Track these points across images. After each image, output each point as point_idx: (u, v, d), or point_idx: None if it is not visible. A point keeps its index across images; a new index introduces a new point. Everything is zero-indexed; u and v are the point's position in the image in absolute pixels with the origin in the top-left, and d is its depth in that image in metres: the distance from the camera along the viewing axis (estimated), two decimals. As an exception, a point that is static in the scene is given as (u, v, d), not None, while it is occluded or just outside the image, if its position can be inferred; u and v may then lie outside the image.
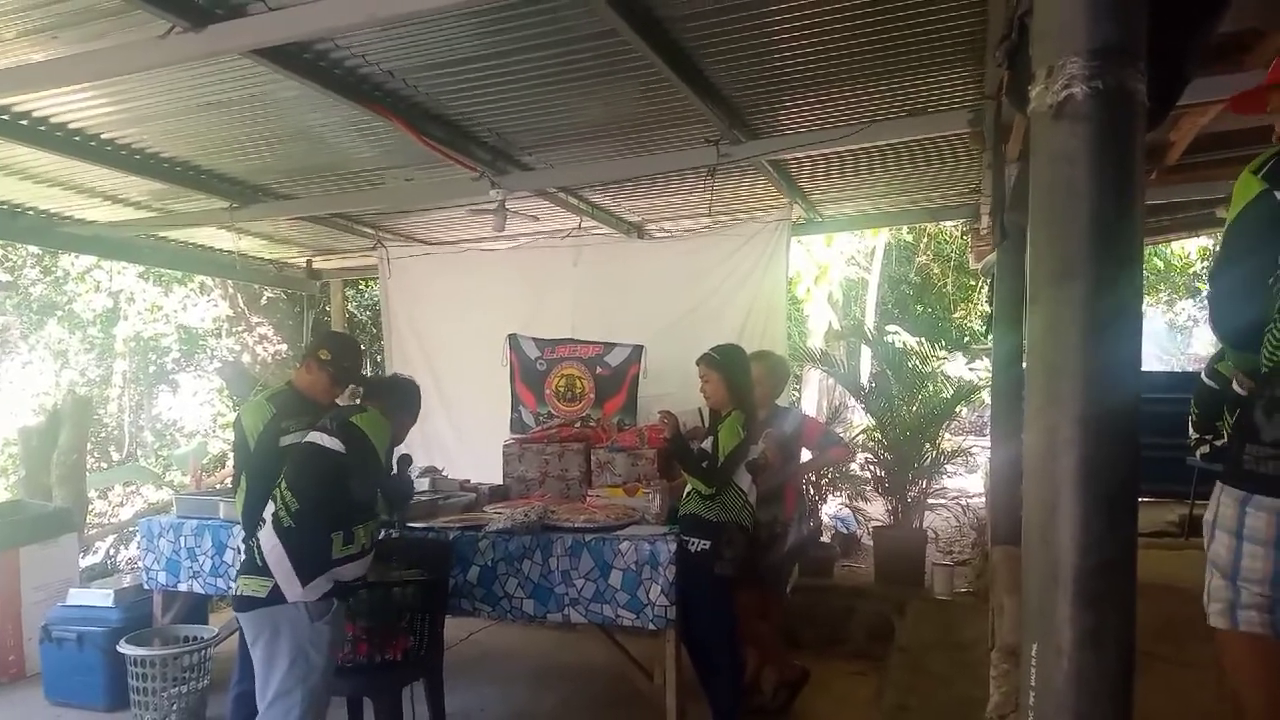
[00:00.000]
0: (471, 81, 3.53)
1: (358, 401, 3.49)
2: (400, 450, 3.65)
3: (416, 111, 3.84)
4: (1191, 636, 3.30)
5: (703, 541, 3.77)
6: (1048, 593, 1.14)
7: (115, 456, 10.66)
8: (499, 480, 5.09)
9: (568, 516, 4.14)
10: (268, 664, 2.94)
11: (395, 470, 3.54)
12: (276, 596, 2.91)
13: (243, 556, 3.24)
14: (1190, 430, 5.00)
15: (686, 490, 3.96)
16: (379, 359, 7.84)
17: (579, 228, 6.08)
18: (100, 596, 4.80)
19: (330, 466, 3.03)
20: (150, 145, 4.31)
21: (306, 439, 3.14)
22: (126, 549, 7.47)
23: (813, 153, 4.42)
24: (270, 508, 3.05)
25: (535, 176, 4.77)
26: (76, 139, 4.11)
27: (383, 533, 4.15)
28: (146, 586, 4.76)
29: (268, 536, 2.98)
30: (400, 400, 3.47)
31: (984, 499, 7.35)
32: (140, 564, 4.87)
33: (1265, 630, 1.78)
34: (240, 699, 3.59)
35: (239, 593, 3.01)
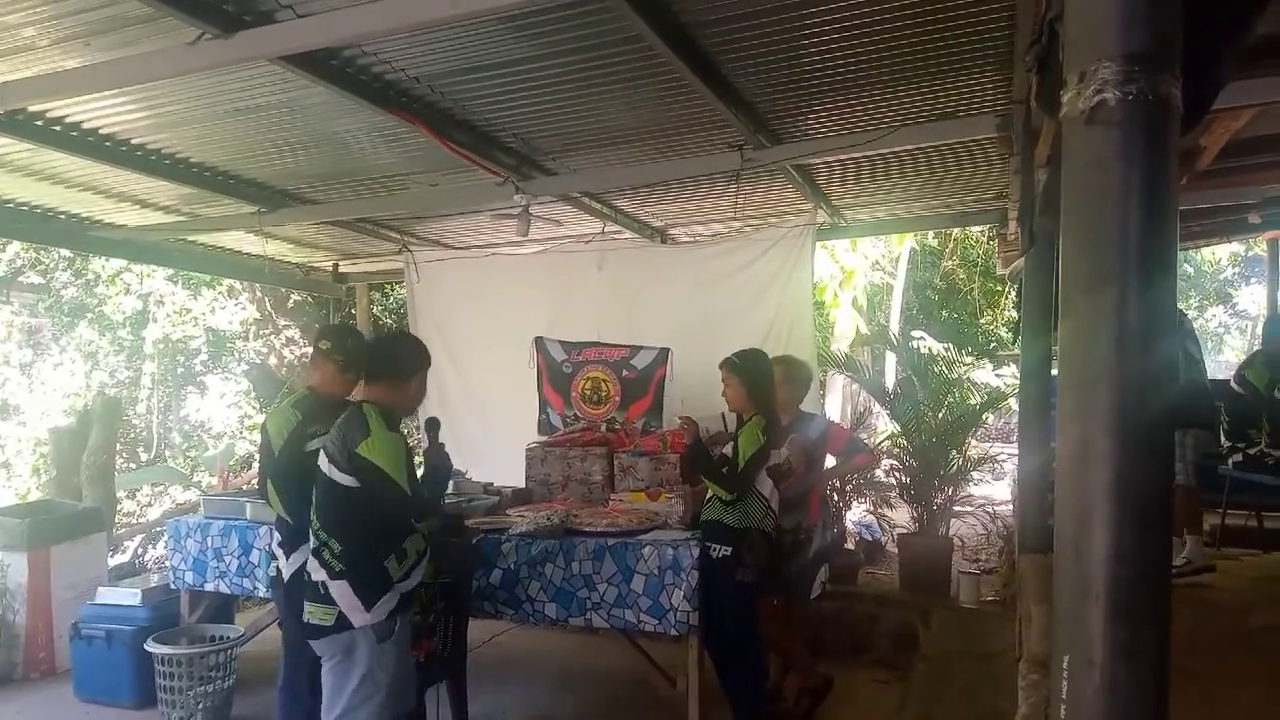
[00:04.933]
0: (496, 87, 3.55)
1: (358, 394, 3.21)
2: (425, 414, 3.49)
3: (442, 117, 3.86)
4: (1225, 649, 3.24)
5: (724, 548, 3.75)
6: (1080, 604, 1.12)
7: (144, 457, 10.77)
8: (522, 483, 5.10)
9: (590, 520, 4.14)
10: (337, 684, 2.98)
11: (426, 442, 3.32)
12: (344, 623, 2.92)
13: (270, 570, 3.27)
14: (1221, 439, 4.93)
15: (708, 496, 3.95)
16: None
17: (603, 232, 6.08)
18: (128, 595, 4.86)
19: (353, 504, 2.94)
20: (180, 150, 4.36)
21: (321, 464, 3.02)
22: (154, 549, 7.54)
23: (837, 158, 4.40)
24: (313, 543, 3.02)
25: (559, 181, 4.78)
26: (107, 144, 4.17)
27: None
28: (173, 586, 4.81)
29: (322, 576, 2.95)
30: (401, 365, 3.16)
31: (1011, 507, 7.28)
32: (167, 564, 4.92)
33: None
34: (285, 690, 3.66)
35: (307, 620, 3.00)
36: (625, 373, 5.92)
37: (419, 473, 3.11)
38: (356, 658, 2.94)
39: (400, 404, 3.11)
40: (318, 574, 2.97)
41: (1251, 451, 4.82)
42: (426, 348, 3.32)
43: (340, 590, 2.92)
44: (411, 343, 3.37)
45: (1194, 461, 4.54)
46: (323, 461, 3.01)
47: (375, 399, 3.06)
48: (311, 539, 3.04)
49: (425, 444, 3.34)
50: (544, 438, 5.60)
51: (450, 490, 4.84)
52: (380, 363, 3.19)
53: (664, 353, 5.83)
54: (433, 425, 3.36)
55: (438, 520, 3.94)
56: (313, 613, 2.98)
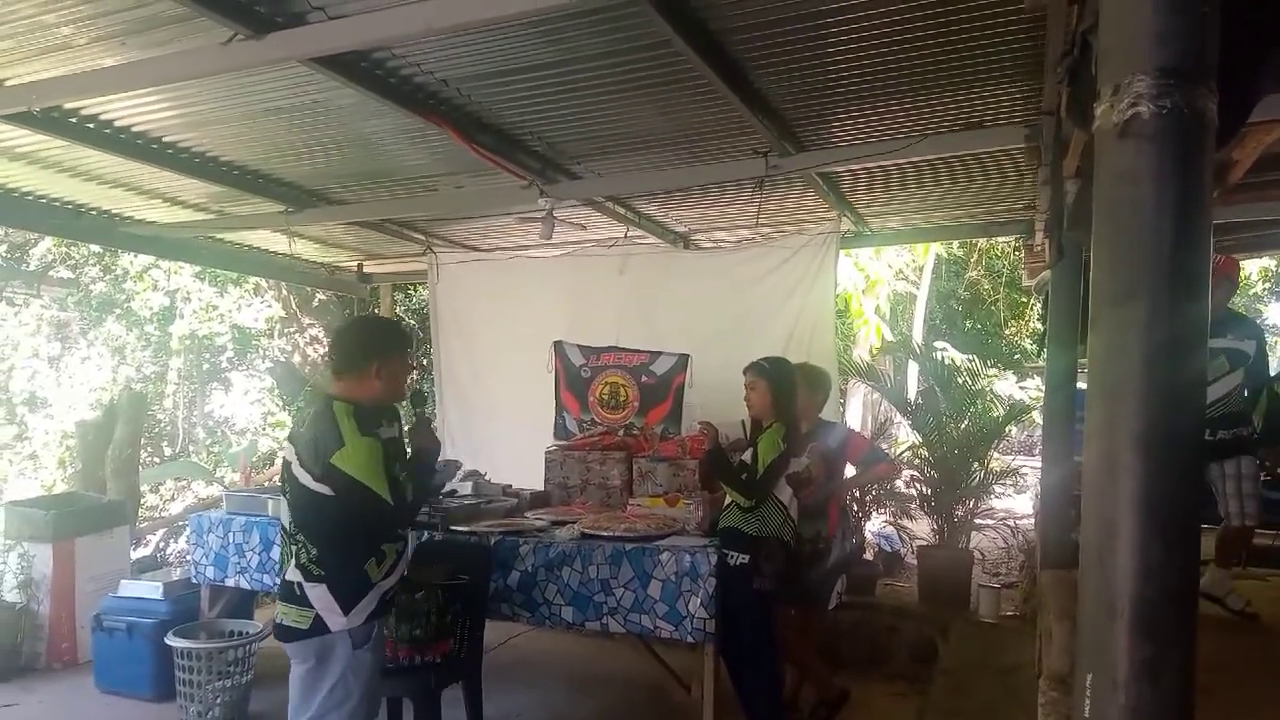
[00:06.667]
0: (523, 91, 3.56)
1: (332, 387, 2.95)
2: (441, 458, 3.28)
3: (469, 120, 3.88)
4: (1249, 669, 3.20)
5: (742, 555, 3.74)
6: (1104, 621, 1.11)
7: (168, 452, 10.88)
8: (540, 486, 5.10)
9: (608, 525, 4.14)
10: (307, 689, 2.86)
11: (415, 421, 3.10)
12: (320, 627, 2.80)
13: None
14: None
15: (726, 502, 3.94)
16: (425, 362, 7.92)
17: (626, 237, 6.09)
18: (150, 589, 4.91)
19: (329, 512, 2.79)
20: (210, 149, 4.41)
21: (291, 463, 2.84)
22: (176, 543, 7.62)
23: (863, 166, 4.38)
24: (292, 545, 2.88)
25: (584, 185, 4.79)
26: (139, 142, 4.21)
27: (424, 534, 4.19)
28: (195, 580, 4.86)
29: (298, 578, 2.84)
30: (360, 354, 2.90)
31: (1033, 520, 7.21)
32: (189, 558, 4.97)
33: None
34: None
35: (280, 621, 2.88)
36: (644, 378, 5.92)
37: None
38: (331, 663, 2.82)
39: (370, 396, 2.87)
40: (293, 575, 2.84)
41: (1280, 470, 4.75)
42: (397, 328, 3.12)
43: (318, 593, 2.80)
44: (372, 327, 3.16)
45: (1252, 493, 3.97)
46: (293, 460, 2.83)
47: (343, 395, 2.86)
48: (294, 545, 2.88)
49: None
50: (560, 442, 5.61)
51: (470, 491, 4.86)
52: (340, 355, 2.95)
53: (683, 359, 5.82)
54: (418, 400, 3.21)
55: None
56: (286, 614, 2.84)
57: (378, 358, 2.88)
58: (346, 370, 2.91)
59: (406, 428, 3.13)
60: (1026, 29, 2.92)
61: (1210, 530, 3.88)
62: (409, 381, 3.12)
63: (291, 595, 2.84)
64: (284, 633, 2.86)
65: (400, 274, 8.04)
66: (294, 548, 2.85)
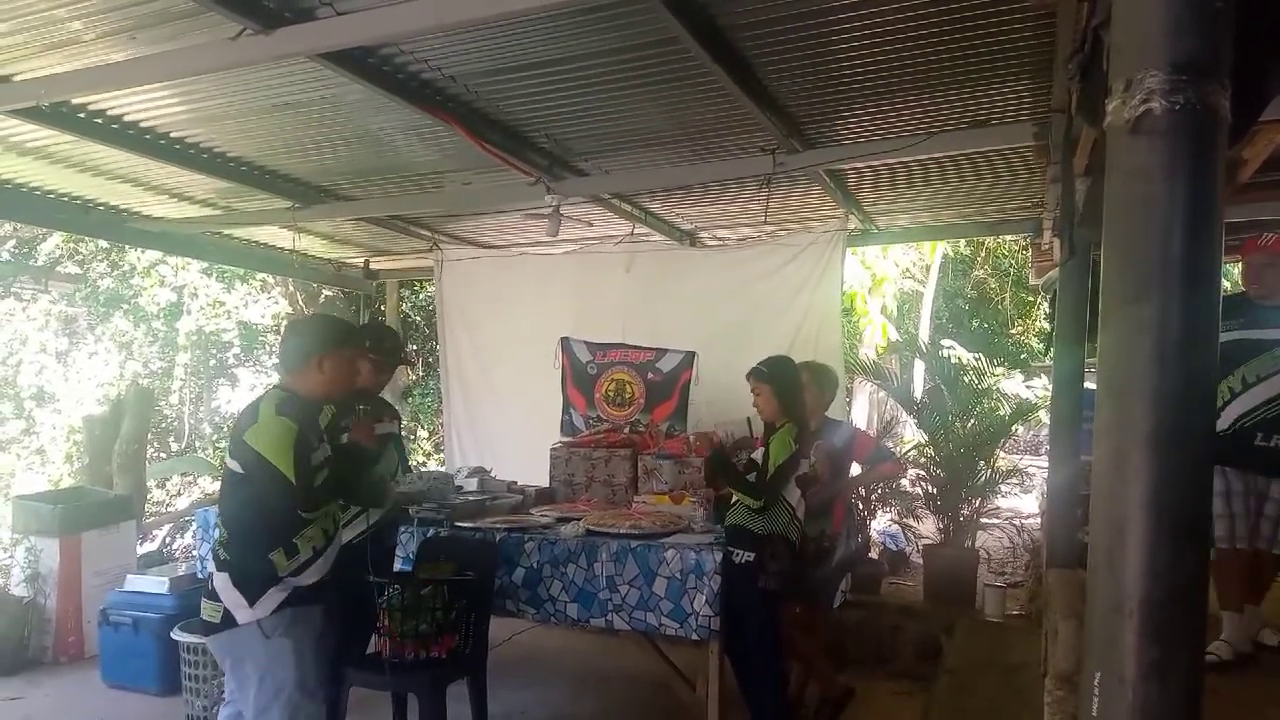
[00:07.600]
0: (531, 87, 3.56)
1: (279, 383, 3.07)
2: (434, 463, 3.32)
3: (476, 116, 3.88)
4: (1256, 671, 3.19)
5: (747, 553, 3.74)
6: (1113, 620, 1.10)
7: (174, 447, 10.93)
8: (546, 483, 5.10)
9: (613, 522, 4.13)
10: (240, 685, 2.91)
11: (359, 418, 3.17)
12: (229, 621, 2.82)
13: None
14: None
15: (733, 500, 3.93)
16: (432, 359, 7.93)
17: (632, 234, 6.09)
18: (156, 583, 4.93)
19: (239, 491, 2.86)
20: (218, 145, 4.41)
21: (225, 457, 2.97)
22: (182, 538, 7.65)
23: (870, 163, 4.37)
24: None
25: (590, 182, 4.79)
26: (147, 137, 4.22)
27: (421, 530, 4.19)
28: (200, 575, 4.86)
29: (214, 571, 2.90)
30: (299, 351, 3.00)
31: (1039, 520, 7.20)
32: (195, 553, 4.98)
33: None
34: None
35: (201, 617, 2.94)
36: (650, 375, 5.92)
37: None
38: (248, 658, 2.85)
39: (317, 389, 2.98)
40: (211, 566, 2.93)
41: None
42: (340, 324, 3.26)
43: (223, 584, 2.83)
44: (314, 324, 3.28)
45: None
46: (229, 455, 2.96)
47: (283, 385, 2.99)
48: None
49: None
50: (567, 438, 5.61)
51: (475, 487, 4.86)
52: (284, 352, 3.10)
53: (689, 356, 5.82)
54: (365, 399, 3.27)
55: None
56: (204, 609, 2.90)
57: (318, 351, 2.98)
58: (291, 366, 3.01)
59: (392, 430, 3.24)
60: (1035, 26, 2.92)
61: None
62: (405, 380, 3.25)
63: (207, 590, 2.92)
64: (203, 628, 2.95)
65: (407, 270, 8.05)
66: (217, 534, 2.94)
